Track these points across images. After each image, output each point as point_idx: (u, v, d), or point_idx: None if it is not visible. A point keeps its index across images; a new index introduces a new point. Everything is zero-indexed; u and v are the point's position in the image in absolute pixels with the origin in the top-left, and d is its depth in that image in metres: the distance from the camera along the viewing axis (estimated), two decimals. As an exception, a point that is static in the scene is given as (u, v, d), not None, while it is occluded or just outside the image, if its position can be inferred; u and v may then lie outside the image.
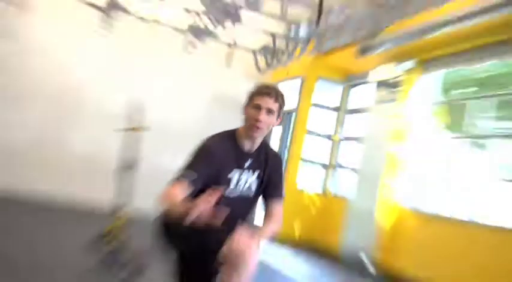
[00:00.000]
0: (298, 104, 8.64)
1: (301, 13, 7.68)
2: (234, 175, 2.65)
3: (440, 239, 6.03)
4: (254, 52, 8.61)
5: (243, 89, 8.74)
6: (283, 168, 2.96)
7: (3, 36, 7.28)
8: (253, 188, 2.76)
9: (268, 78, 9.27)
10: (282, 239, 7.85)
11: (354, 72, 8.59)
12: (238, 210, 2.66)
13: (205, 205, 2.18)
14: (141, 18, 7.88)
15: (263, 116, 2.61)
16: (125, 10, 7.38)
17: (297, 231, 8.28)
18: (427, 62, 6.96)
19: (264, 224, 2.73)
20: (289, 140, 8.90)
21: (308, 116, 8.69)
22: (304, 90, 8.67)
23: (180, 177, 2.48)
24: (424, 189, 6.96)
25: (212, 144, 2.65)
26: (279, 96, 2.67)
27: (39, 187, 8.12)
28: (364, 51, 7.25)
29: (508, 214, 5.60)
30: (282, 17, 7.64)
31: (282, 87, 8.96)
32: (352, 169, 7.96)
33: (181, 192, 2.41)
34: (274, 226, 2.74)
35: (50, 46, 8.61)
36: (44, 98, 8.68)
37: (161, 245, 2.71)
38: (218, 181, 2.54)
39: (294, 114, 8.80)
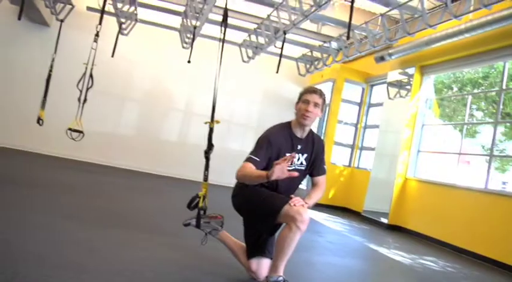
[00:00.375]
0: (331, 100, 10.38)
1: (332, 30, 9.30)
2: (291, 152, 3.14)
3: (438, 201, 7.44)
4: (296, 61, 10.48)
5: (288, 89, 11.08)
6: (324, 150, 3.47)
7: (114, 55, 8.83)
8: (304, 164, 3.28)
9: (307, 81, 11.14)
10: (319, 202, 9.99)
11: (372, 75, 10.21)
12: (293, 179, 3.03)
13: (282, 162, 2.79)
14: (209, 37, 9.71)
15: (311, 108, 3.17)
16: (197, 32, 8.71)
17: (330, 195, 10.14)
18: (425, 67, 8.41)
19: (312, 192, 3.30)
20: (324, 127, 10.59)
21: (338, 109, 10.44)
22: (335, 90, 10.39)
23: (248, 160, 3.05)
24: (426, 163, 8.54)
25: (270, 134, 3.19)
26: (322, 94, 3.26)
27: (141, 165, 10.68)
28: (380, 59, 8.82)
29: (491, 180, 6.79)
30: (318, 33, 9.27)
31: (318, 87, 10.94)
32: (372, 149, 9.61)
33: (250, 168, 3.01)
34: (319, 194, 3.33)
35: (147, 62, 10.88)
36: (143, 100, 11.06)
37: (235, 207, 3.33)
38: (278, 159, 2.93)
39: (327, 108, 10.47)
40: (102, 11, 6.74)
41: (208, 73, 10.53)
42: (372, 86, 10.52)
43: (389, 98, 9.23)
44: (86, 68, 6.84)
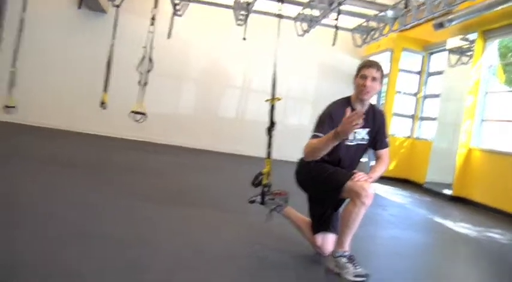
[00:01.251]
0: (389, 71, 10.13)
1: None
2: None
3: (504, 171, 7.15)
4: (352, 32, 10.11)
5: (344, 62, 10.90)
6: (386, 123, 3.42)
7: (170, 37, 9.11)
8: (366, 138, 3.26)
9: (363, 52, 10.95)
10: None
11: (431, 43, 9.86)
12: (355, 153, 3.25)
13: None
14: (263, 13, 9.54)
15: (369, 83, 3.13)
16: (250, 9, 8.75)
17: (391, 167, 9.78)
18: (488, 32, 8.03)
19: (376, 166, 3.31)
20: (383, 98, 10.37)
21: (397, 80, 10.22)
22: (393, 60, 10.16)
23: (312, 137, 3.05)
24: (490, 132, 8.21)
25: (332, 110, 3.16)
26: (380, 67, 3.21)
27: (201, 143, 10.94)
28: (439, 26, 8.32)
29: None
30: (373, 2, 8.78)
31: (374, 58, 10.67)
32: (433, 119, 9.40)
33: (313, 141, 3.03)
34: (383, 167, 3.33)
35: (202, 41, 10.98)
36: (200, 79, 11.26)
37: (299, 183, 3.33)
38: None
39: (385, 79, 10.38)
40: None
41: (263, 49, 10.54)
42: (431, 54, 10.16)
43: (451, 66, 8.88)
44: (145, 51, 6.97)
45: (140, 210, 4.15)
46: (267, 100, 3.89)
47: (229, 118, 11.46)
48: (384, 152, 3.37)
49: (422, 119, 10.21)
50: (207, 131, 10.97)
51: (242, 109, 11.50)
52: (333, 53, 10.72)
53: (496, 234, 5.60)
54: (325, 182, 3.14)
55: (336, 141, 2.86)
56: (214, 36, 10.88)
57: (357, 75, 3.20)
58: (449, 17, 8.17)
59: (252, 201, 3.61)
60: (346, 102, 3.22)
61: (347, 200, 3.12)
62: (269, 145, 3.72)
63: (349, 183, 2.99)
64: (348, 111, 2.78)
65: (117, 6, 9.21)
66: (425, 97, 10.18)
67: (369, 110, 3.27)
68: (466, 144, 8.12)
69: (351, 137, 3.16)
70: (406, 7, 5.67)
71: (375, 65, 3.18)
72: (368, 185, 2.97)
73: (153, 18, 6.97)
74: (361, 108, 3.11)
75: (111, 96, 8.39)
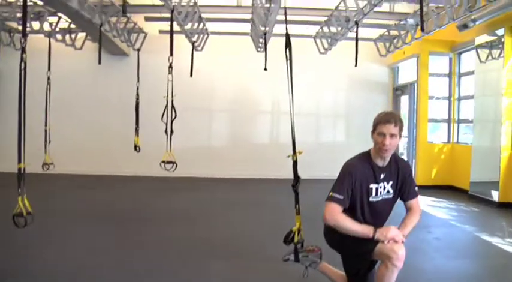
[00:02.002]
0: (417, 77, 9.89)
1: (408, 6, 8.67)
2: (373, 187, 3.08)
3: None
4: (375, 42, 9.79)
5: (371, 72, 10.68)
6: (413, 172, 3.36)
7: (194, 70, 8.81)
8: (391, 192, 3.16)
9: (391, 59, 10.76)
10: (422, 183, 9.34)
11: (458, 42, 9.42)
12: (383, 209, 3.15)
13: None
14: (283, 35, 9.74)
15: (388, 141, 2.98)
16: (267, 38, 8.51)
17: (433, 175, 9.72)
18: None
19: (406, 219, 3.15)
20: (415, 105, 10.12)
21: (428, 85, 9.81)
22: (420, 65, 9.81)
23: (331, 199, 2.98)
24: None
25: (351, 168, 3.08)
26: (398, 121, 3.03)
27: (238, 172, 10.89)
28: (463, 27, 7.86)
29: None
30: (392, 12, 8.75)
31: (402, 64, 10.38)
32: (471, 121, 9.03)
33: (338, 211, 2.97)
34: (415, 219, 3.17)
35: (226, 71, 11.08)
36: (229, 108, 11.35)
37: (329, 244, 3.27)
38: (362, 192, 3.04)
39: (415, 84, 10.06)
40: (171, 44, 6.81)
41: (285, 69, 10.59)
42: (460, 54, 9.77)
43: (481, 62, 8.46)
44: (167, 100, 7.00)
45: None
46: (288, 156, 3.72)
47: (264, 143, 11.43)
48: (414, 202, 3.25)
49: (459, 121, 9.82)
50: (243, 158, 10.97)
51: (275, 132, 11.44)
52: (360, 64, 10.35)
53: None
54: (354, 247, 3.07)
55: (365, 237, 2.94)
56: (237, 64, 10.90)
57: (373, 130, 3.08)
58: (473, 16, 7.74)
59: (286, 260, 3.54)
60: (366, 158, 3.15)
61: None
62: (296, 201, 3.56)
63: (379, 246, 2.92)
64: (368, 169, 2.97)
65: (138, 50, 9.43)
66: (460, 99, 9.79)
67: (391, 161, 3.17)
68: (509, 147, 7.73)
69: (372, 194, 3.09)
70: (421, 24, 5.36)
71: (392, 121, 3.02)
72: (398, 247, 2.88)
73: (170, 66, 6.94)
74: (383, 166, 3.16)
75: (142, 137, 8.66)
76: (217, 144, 11.21)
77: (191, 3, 7.55)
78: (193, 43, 9.04)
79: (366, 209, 3.10)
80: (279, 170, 10.44)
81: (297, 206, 3.55)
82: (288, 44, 3.96)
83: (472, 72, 9.04)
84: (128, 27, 9.09)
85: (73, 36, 9.61)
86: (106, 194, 8.66)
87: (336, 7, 7.88)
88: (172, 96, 7.00)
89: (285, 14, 4.33)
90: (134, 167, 10.54)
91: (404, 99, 10.83)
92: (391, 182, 3.15)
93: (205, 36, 9.49)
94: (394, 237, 2.92)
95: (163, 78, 9.55)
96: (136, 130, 8.97)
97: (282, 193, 8.60)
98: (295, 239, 3.45)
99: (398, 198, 3.24)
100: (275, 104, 11.37)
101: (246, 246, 5.22)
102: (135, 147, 8.90)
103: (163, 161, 7.10)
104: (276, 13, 7.28)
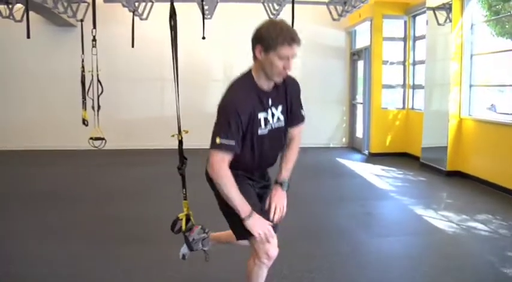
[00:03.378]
0: (371, 41, 9.48)
1: None
2: (261, 117, 2.47)
3: (500, 141, 6.56)
4: (327, 5, 9.04)
5: (327, 36, 10.25)
6: (301, 91, 2.70)
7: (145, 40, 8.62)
8: (282, 118, 2.59)
9: (347, 23, 10.31)
10: (376, 151, 9.36)
11: (412, 5, 9.00)
12: (275, 139, 2.59)
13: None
14: None
15: (291, 64, 2.39)
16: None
17: (387, 142, 9.49)
18: None
19: (288, 155, 2.72)
20: (369, 70, 9.73)
21: (382, 49, 9.43)
22: (374, 29, 9.38)
23: (219, 147, 2.37)
24: (482, 98, 7.64)
25: (236, 101, 2.40)
26: (300, 40, 2.37)
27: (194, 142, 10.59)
28: None
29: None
30: None
31: (358, 28, 9.96)
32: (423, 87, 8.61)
33: (226, 164, 2.40)
34: (295, 151, 2.73)
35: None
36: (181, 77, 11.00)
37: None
38: (250, 127, 2.43)
39: (369, 49, 9.63)
40: (94, 14, 6.39)
41: (237, 35, 10.19)
42: (414, 16, 9.30)
43: (439, 24, 7.89)
44: (92, 75, 6.64)
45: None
46: (173, 135, 3.37)
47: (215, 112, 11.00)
48: (297, 130, 2.73)
49: (414, 87, 9.47)
50: (196, 128, 10.60)
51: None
52: (315, 28, 10.32)
53: (479, 223, 5.09)
54: (233, 219, 2.56)
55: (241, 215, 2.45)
56: (186, 31, 10.35)
57: (268, 49, 2.32)
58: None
59: (184, 258, 3.22)
60: (250, 83, 2.47)
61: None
62: (183, 185, 3.21)
63: (253, 239, 2.50)
64: (254, 97, 2.39)
65: (81, 20, 8.97)
66: (415, 64, 9.39)
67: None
68: (456, 115, 7.48)
69: (262, 125, 2.48)
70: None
71: (297, 39, 2.35)
72: (269, 247, 2.50)
73: (94, 40, 6.53)
74: (269, 89, 2.50)
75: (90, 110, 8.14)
76: (170, 114, 10.82)
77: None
78: (133, 12, 8.56)
79: (255, 145, 2.50)
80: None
81: (184, 190, 3.19)
82: (172, 14, 3.45)
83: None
84: (64, -4, 8.56)
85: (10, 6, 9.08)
86: (50, 170, 8.32)
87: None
88: (97, 70, 6.64)
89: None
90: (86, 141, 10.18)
91: (361, 64, 10.41)
92: (280, 107, 2.56)
93: (150, 4, 9.01)
94: (262, 235, 2.46)
95: (111, 49, 9.22)
96: (84, 103, 8.63)
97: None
98: (183, 227, 3.09)
99: None
100: (227, 71, 10.96)
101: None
102: (83, 121, 8.57)
103: (91, 138, 6.80)
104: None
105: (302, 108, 2.71)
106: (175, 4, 9.31)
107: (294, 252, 3.95)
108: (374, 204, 6.11)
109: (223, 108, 2.42)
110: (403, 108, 9.65)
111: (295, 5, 8.47)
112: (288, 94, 2.58)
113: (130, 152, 10.09)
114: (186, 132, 3.36)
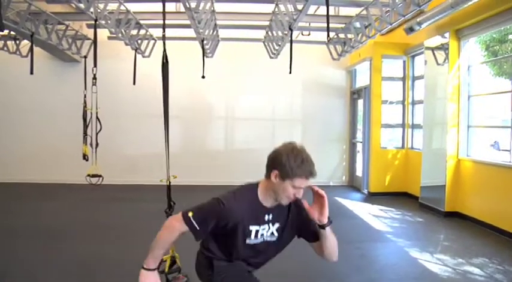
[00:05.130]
0: (370, 80, 9.53)
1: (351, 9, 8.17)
2: (253, 229, 2.48)
3: (498, 183, 6.49)
4: (327, 44, 9.14)
5: (327, 75, 10.37)
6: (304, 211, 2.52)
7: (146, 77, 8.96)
8: (275, 235, 2.55)
9: (347, 62, 10.50)
10: (375, 190, 9.28)
11: (412, 45, 9.04)
12: (264, 250, 2.56)
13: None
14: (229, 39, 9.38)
15: (300, 195, 2.44)
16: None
17: (386, 182, 9.41)
18: (461, 31, 7.37)
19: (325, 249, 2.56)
20: (368, 110, 9.73)
21: (381, 89, 9.46)
22: (373, 68, 9.45)
23: (189, 220, 2.37)
24: (480, 140, 7.62)
25: (227, 211, 2.39)
26: (316, 172, 2.43)
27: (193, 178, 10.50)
28: (410, 30, 7.68)
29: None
30: (337, 15, 8.40)
31: (358, 67, 10.06)
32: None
33: (178, 232, 2.40)
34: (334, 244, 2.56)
35: (177, 77, 10.71)
36: (182, 115, 10.85)
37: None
38: (235, 232, 2.43)
39: (368, 89, 9.69)
40: (95, 53, 6.48)
41: (239, 74, 10.33)
42: (413, 56, 9.39)
43: (438, 64, 8.02)
44: (91, 113, 6.71)
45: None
46: (161, 180, 3.44)
47: (219, 150, 11.09)
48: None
49: (413, 127, 9.47)
50: (198, 165, 10.65)
51: (229, 138, 11.14)
52: (316, 67, 10.54)
53: (475, 267, 5.02)
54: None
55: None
56: (190, 69, 10.47)
57: (285, 177, 2.37)
58: (418, 19, 7.50)
59: None
60: (252, 197, 2.50)
61: None
62: None
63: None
64: (252, 210, 2.39)
65: (85, 57, 9.15)
66: (414, 103, 9.42)
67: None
68: (454, 155, 7.46)
69: (252, 236, 2.49)
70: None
71: (315, 174, 2.42)
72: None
73: (94, 78, 6.61)
74: (271, 206, 2.50)
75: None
76: (171, 151, 10.82)
77: (121, 10, 7.23)
78: (136, 49, 8.72)
79: (241, 249, 2.51)
80: (231, 176, 10.25)
81: None
82: (164, 62, 3.73)
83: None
84: (68, 34, 8.73)
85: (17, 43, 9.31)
86: (42, 204, 8.27)
87: (273, 11, 7.55)
88: (96, 108, 6.70)
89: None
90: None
91: (361, 103, 10.43)
92: (276, 225, 2.55)
93: (152, 41, 9.18)
94: None
95: (115, 85, 9.31)
96: (85, 138, 8.69)
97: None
98: (166, 269, 3.13)
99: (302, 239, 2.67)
100: (229, 110, 11.05)
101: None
102: (84, 156, 8.62)
103: (88, 175, 6.81)
104: (210, 21, 6.95)
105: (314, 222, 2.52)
106: (178, 43, 9.53)
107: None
108: (369, 246, 6.00)
109: (216, 203, 2.40)
110: (403, 147, 9.63)
111: (297, 44, 8.75)
112: (289, 216, 2.57)
113: (131, 187, 10.04)
114: (175, 177, 3.57)
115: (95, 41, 6.53)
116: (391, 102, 9.70)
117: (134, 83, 8.57)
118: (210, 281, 2.55)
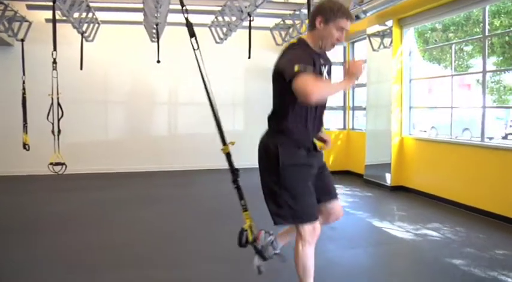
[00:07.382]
0: (313, 64, 10.18)
1: None
2: (319, 70, 2.83)
3: (438, 158, 7.30)
4: (271, 31, 9.94)
5: (269, 60, 10.54)
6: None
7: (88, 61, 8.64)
8: (327, 78, 2.94)
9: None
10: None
11: (352, 32, 9.25)
12: (322, 106, 2.98)
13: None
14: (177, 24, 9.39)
15: (343, 37, 2.82)
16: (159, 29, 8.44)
17: (331, 161, 10.00)
18: (403, 20, 8.03)
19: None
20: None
21: (323, 72, 10.24)
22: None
23: (301, 71, 2.55)
24: (420, 118, 8.44)
25: (298, 52, 2.78)
26: (353, 16, 2.91)
27: (137, 165, 10.62)
28: (356, 18, 7.60)
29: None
30: (287, 3, 8.88)
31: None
32: (364, 109, 9.38)
33: (315, 79, 2.57)
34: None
35: (121, 62, 10.54)
36: (126, 100, 10.89)
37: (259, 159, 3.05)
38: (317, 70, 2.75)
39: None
40: (54, 36, 6.35)
41: (183, 59, 10.32)
42: (353, 43, 10.08)
43: (374, 50, 8.77)
44: (52, 98, 6.58)
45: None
46: (222, 149, 3.33)
47: (162, 135, 11.12)
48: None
49: (354, 108, 10.16)
50: (142, 151, 10.65)
51: (173, 124, 11.23)
52: (257, 53, 10.47)
53: (431, 230, 5.69)
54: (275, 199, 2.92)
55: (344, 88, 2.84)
56: (133, 54, 10.44)
57: (331, 22, 2.76)
58: (364, 8, 8.01)
59: (260, 271, 3.22)
60: (305, 45, 2.88)
61: None
62: (241, 197, 3.19)
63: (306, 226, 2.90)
64: (309, 54, 2.75)
65: (22, 40, 8.82)
66: (354, 87, 10.00)
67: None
68: (398, 133, 8.16)
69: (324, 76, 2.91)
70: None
71: (353, 17, 2.88)
72: (317, 227, 2.97)
73: (54, 62, 6.48)
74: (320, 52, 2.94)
75: (32, 131, 8.31)
76: (115, 138, 10.75)
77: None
78: (82, 33, 8.56)
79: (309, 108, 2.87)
80: (175, 162, 10.42)
81: (242, 201, 3.18)
82: (191, 34, 3.55)
83: (365, 61, 9.29)
84: (6, 15, 8.34)
85: None
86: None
87: (229, -3, 7.77)
88: (58, 94, 6.58)
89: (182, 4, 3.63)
90: (26, 166, 9.76)
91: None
92: (327, 67, 2.94)
93: (96, 25, 9.04)
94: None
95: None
96: (25, 127, 8.46)
97: (178, 185, 8.75)
98: (250, 237, 3.12)
99: None
100: (172, 95, 11.13)
101: (133, 254, 5.02)
102: (24, 145, 8.40)
103: (51, 163, 6.69)
104: (168, 5, 7.03)
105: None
106: (120, 27, 9.44)
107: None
108: (335, 219, 6.49)
109: (289, 59, 2.73)
110: (344, 128, 10.27)
111: (241, 31, 9.03)
112: (330, 62, 3.01)
113: (77, 176, 9.81)
114: (233, 143, 3.39)
115: (54, 24, 6.37)
116: (333, 86, 10.20)
117: (81, 68, 8.44)
118: (277, 156, 2.88)
